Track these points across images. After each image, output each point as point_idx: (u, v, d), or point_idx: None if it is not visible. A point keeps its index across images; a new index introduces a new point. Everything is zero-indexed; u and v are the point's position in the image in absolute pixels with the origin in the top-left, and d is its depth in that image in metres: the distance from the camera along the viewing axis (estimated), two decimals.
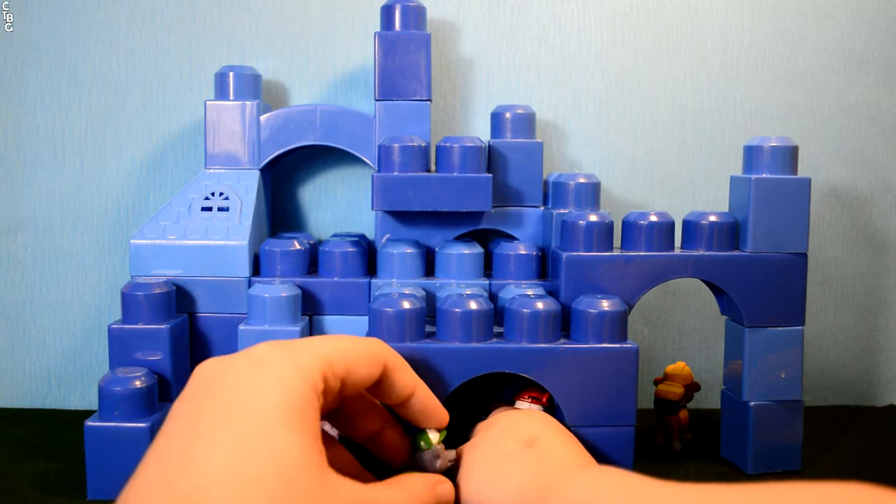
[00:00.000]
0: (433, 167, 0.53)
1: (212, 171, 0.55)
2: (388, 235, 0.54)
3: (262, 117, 0.55)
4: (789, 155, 0.49)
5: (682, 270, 0.49)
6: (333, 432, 0.42)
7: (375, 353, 0.37)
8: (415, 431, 0.41)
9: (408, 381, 0.39)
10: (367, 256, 0.53)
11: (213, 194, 0.53)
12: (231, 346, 0.51)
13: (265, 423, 0.30)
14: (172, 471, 0.28)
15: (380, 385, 0.38)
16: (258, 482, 0.28)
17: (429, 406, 0.40)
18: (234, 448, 0.29)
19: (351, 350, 0.36)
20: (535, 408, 0.46)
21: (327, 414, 0.40)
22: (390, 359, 0.38)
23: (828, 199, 0.63)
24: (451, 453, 0.41)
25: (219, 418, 0.30)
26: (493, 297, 0.51)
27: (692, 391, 0.55)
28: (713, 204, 0.61)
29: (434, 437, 0.41)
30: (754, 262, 0.49)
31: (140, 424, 0.45)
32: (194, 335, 0.52)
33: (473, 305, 0.45)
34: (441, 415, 0.41)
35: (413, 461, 0.41)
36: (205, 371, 0.33)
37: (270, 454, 0.29)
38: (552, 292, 0.49)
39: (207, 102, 0.54)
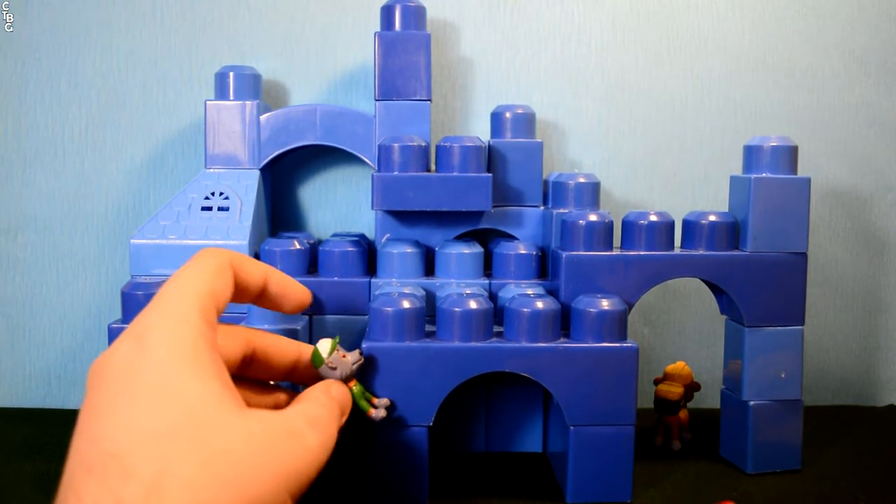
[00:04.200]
0: (433, 167, 0.53)
1: (212, 170, 0.55)
2: (388, 235, 0.54)
3: (262, 117, 0.55)
4: (789, 155, 0.49)
5: (682, 270, 0.49)
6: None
7: (222, 264, 0.36)
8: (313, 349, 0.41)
9: (257, 272, 0.39)
10: (367, 256, 0.53)
11: (213, 194, 0.53)
12: None
13: (167, 379, 0.30)
14: (91, 451, 0.28)
15: (235, 287, 0.37)
16: (175, 433, 0.28)
17: (286, 286, 0.40)
18: (142, 409, 0.28)
19: (208, 274, 0.35)
20: None
21: (241, 373, 0.39)
22: (234, 259, 0.37)
23: (828, 199, 0.64)
24: (354, 355, 0.41)
25: (119, 392, 0.29)
26: (492, 296, 0.51)
27: (692, 391, 0.55)
28: (713, 204, 0.61)
29: (324, 348, 0.40)
30: (754, 261, 0.49)
31: None
32: None
33: (473, 305, 0.45)
34: (300, 291, 0.41)
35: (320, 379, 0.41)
36: (94, 369, 0.32)
37: (179, 404, 0.29)
38: (552, 292, 0.49)
39: (207, 102, 0.54)
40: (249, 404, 0.33)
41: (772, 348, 0.49)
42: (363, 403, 0.42)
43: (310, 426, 0.33)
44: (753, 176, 0.49)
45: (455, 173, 0.51)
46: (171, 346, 0.31)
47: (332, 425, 0.35)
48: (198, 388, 0.30)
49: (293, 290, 0.41)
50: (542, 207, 0.55)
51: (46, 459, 0.51)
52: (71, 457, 0.29)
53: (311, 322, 0.51)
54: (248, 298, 0.39)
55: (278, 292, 0.40)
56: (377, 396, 0.43)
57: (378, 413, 0.42)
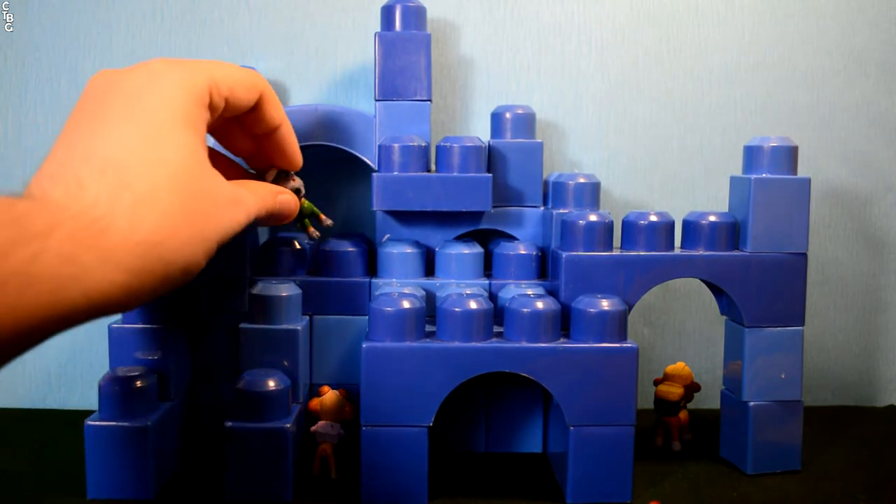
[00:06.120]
0: (433, 167, 0.53)
1: None
2: (388, 235, 0.54)
3: None
4: (789, 155, 0.49)
5: (682, 270, 0.49)
6: None
7: (254, 82, 0.40)
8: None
9: (277, 113, 0.42)
10: (367, 256, 0.53)
11: None
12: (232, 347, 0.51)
13: (165, 118, 0.33)
14: (86, 148, 0.32)
15: (252, 113, 0.41)
16: (166, 164, 0.32)
17: (290, 142, 0.44)
18: (140, 133, 0.32)
19: (234, 75, 0.38)
20: None
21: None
22: (266, 90, 0.41)
23: (828, 199, 0.63)
24: (297, 181, 0.45)
25: (122, 111, 0.33)
26: (493, 296, 0.51)
27: (692, 391, 0.55)
28: (713, 204, 0.61)
29: (271, 173, 0.45)
30: (754, 262, 0.49)
31: (140, 424, 0.45)
32: None
33: (473, 305, 0.45)
34: (297, 156, 0.45)
35: None
36: (102, 79, 0.35)
37: (172, 143, 0.33)
38: (552, 292, 0.49)
39: None
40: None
41: (772, 349, 0.49)
42: (306, 221, 0.48)
43: (249, 205, 0.38)
44: (753, 176, 0.49)
45: (455, 173, 0.51)
46: (179, 95, 0.34)
47: (262, 210, 0.40)
48: (191, 139, 0.34)
49: (295, 149, 0.44)
50: (542, 207, 0.55)
51: (46, 459, 0.51)
52: (65, 143, 0.33)
53: (311, 322, 0.51)
54: (261, 129, 0.42)
55: (284, 144, 0.43)
56: (317, 229, 0.49)
57: (314, 233, 0.48)
